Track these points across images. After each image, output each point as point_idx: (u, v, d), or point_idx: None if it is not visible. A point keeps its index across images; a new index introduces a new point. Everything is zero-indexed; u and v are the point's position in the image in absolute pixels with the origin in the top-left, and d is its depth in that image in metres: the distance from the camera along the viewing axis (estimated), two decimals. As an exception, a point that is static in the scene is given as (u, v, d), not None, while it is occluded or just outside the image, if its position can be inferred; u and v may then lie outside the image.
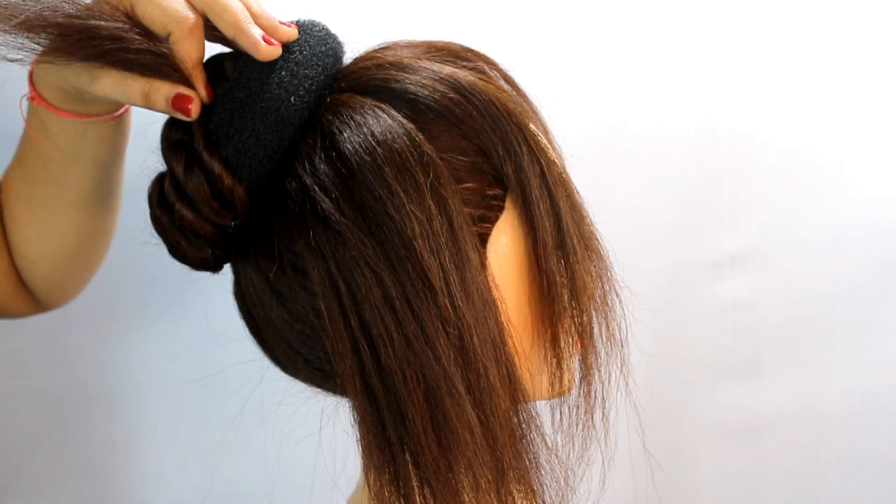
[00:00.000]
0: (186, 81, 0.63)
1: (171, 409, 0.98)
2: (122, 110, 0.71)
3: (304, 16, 0.67)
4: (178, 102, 0.62)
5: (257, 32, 0.62)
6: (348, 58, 0.69)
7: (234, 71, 0.64)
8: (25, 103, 0.71)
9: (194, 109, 0.63)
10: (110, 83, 0.62)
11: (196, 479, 1.00)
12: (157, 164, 0.66)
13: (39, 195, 0.75)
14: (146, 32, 0.62)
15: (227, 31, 0.63)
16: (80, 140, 0.71)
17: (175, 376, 0.96)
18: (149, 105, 0.63)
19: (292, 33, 0.64)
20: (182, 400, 0.97)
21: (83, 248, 0.80)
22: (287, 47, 0.63)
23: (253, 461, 0.98)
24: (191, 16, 0.62)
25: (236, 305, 0.71)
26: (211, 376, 0.88)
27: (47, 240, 0.78)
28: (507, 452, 0.63)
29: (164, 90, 0.62)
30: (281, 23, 0.64)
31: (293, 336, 0.66)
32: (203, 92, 0.63)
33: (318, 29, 0.66)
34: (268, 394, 0.80)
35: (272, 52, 0.63)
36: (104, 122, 0.70)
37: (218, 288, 0.74)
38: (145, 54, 0.62)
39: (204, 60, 0.65)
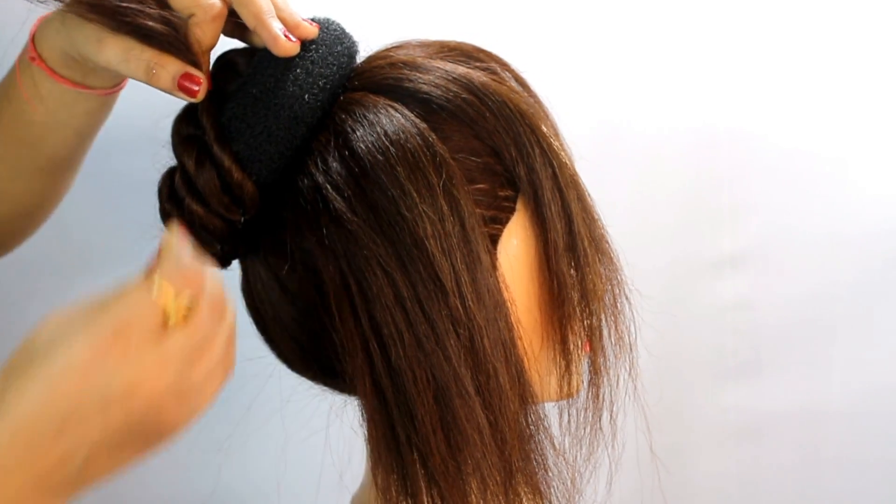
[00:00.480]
0: (196, 62, 0.62)
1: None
2: (117, 87, 0.71)
3: (319, 14, 0.67)
4: (186, 82, 0.62)
5: (278, 27, 0.62)
6: (361, 56, 0.69)
7: (247, 67, 0.64)
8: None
9: (201, 92, 0.62)
10: (116, 52, 0.62)
11: (202, 475, 0.99)
12: (168, 159, 0.66)
13: (10, 155, 0.74)
14: (166, 6, 0.62)
15: (249, 22, 0.62)
16: (68, 108, 0.70)
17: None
18: (151, 80, 0.62)
19: (313, 31, 0.64)
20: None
21: (36, 210, 0.80)
22: (304, 45, 0.63)
23: (260, 458, 0.98)
24: (217, 2, 0.62)
25: (244, 302, 0.71)
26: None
27: (3, 199, 0.77)
28: (516, 454, 0.63)
29: (173, 67, 0.62)
30: (303, 20, 0.64)
31: (301, 333, 0.66)
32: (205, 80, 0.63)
33: (333, 28, 0.66)
34: (275, 391, 0.80)
35: (290, 48, 0.62)
36: (96, 95, 0.70)
37: (225, 284, 0.74)
38: (161, 24, 0.61)
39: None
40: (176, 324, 0.55)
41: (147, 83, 0.63)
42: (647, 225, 1.18)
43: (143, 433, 0.53)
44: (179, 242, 0.57)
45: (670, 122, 1.15)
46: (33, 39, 0.68)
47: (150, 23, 0.61)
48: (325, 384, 0.71)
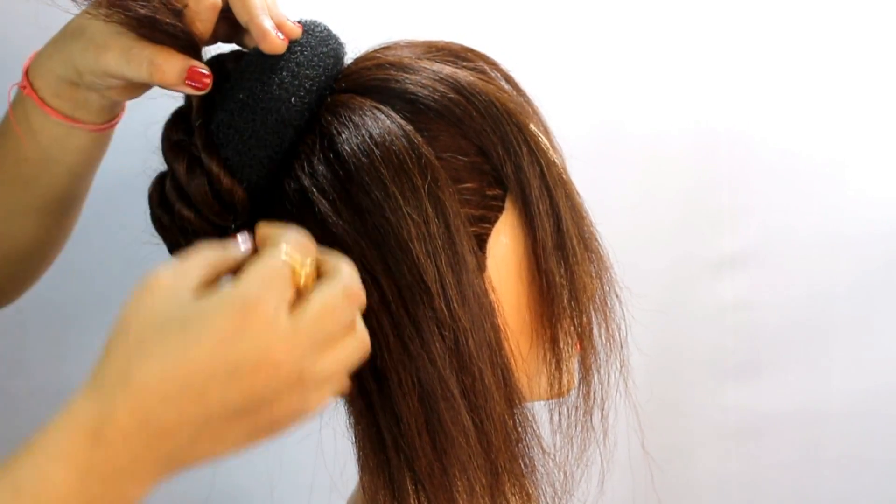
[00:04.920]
0: (196, 55, 0.63)
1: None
2: (107, 124, 0.71)
3: (306, 15, 0.66)
4: (195, 75, 0.62)
5: (269, 23, 0.62)
6: (349, 58, 0.69)
7: (235, 71, 0.64)
8: (14, 91, 0.69)
9: (210, 82, 0.63)
10: (115, 54, 0.62)
11: (197, 480, 0.99)
12: (158, 164, 0.66)
13: (4, 194, 0.73)
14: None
15: (242, 17, 0.62)
16: (60, 144, 0.69)
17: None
18: (155, 77, 0.62)
19: (297, 31, 0.64)
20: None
21: (34, 255, 0.78)
22: (289, 47, 0.63)
23: (254, 463, 0.98)
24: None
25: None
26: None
27: None
28: (502, 456, 0.63)
29: (178, 62, 0.62)
30: (288, 20, 0.64)
31: None
32: None
33: (319, 30, 0.66)
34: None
35: (279, 45, 0.62)
36: (87, 131, 0.69)
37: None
38: (165, 13, 0.61)
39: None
40: (306, 287, 0.53)
41: (150, 81, 0.63)
42: (647, 225, 1.18)
43: (255, 417, 0.51)
44: (280, 228, 0.55)
45: (671, 122, 1.16)
46: (27, 72, 0.68)
47: (154, 14, 0.61)
48: None
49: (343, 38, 0.68)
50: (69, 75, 0.65)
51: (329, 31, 0.66)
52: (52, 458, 0.49)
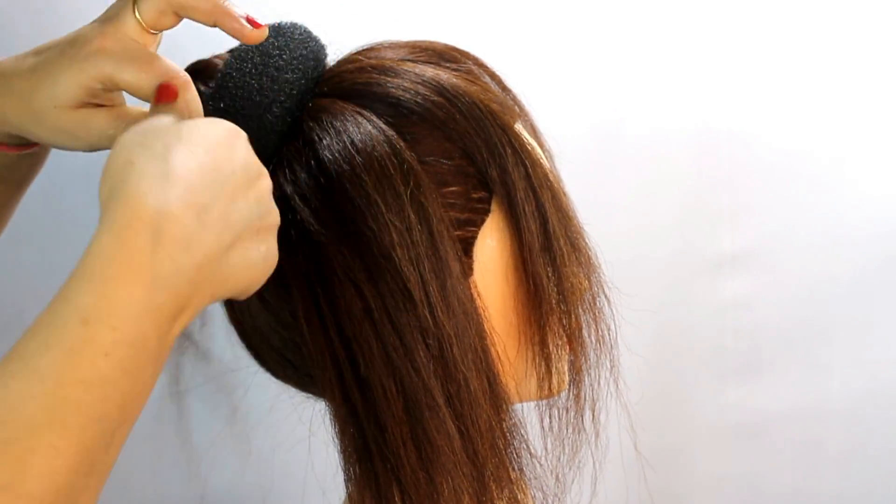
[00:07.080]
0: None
1: (162, 418, 0.97)
2: (25, 148, 0.66)
3: (286, 17, 0.66)
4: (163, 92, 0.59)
5: (240, 12, 0.60)
6: (332, 59, 0.68)
7: (216, 79, 0.64)
8: None
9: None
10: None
11: (190, 487, 0.99)
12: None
13: None
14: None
15: (207, 20, 0.59)
16: None
17: (166, 384, 0.96)
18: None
19: (259, 23, 0.61)
20: (172, 408, 0.97)
21: None
22: (268, 51, 0.63)
23: (246, 470, 0.98)
24: (181, 74, 0.59)
25: (225, 313, 0.71)
26: (203, 384, 0.87)
27: None
28: (490, 463, 0.62)
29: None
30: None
31: (281, 343, 0.66)
32: None
33: (299, 32, 0.65)
34: (259, 400, 0.80)
35: (259, 35, 0.60)
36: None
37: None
38: None
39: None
40: None
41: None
42: (647, 224, 1.18)
43: (261, 227, 0.54)
44: None
45: (671, 122, 1.15)
46: None
47: None
48: (308, 391, 0.70)
49: (325, 40, 0.67)
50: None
51: (309, 33, 0.65)
52: (112, 277, 0.46)
